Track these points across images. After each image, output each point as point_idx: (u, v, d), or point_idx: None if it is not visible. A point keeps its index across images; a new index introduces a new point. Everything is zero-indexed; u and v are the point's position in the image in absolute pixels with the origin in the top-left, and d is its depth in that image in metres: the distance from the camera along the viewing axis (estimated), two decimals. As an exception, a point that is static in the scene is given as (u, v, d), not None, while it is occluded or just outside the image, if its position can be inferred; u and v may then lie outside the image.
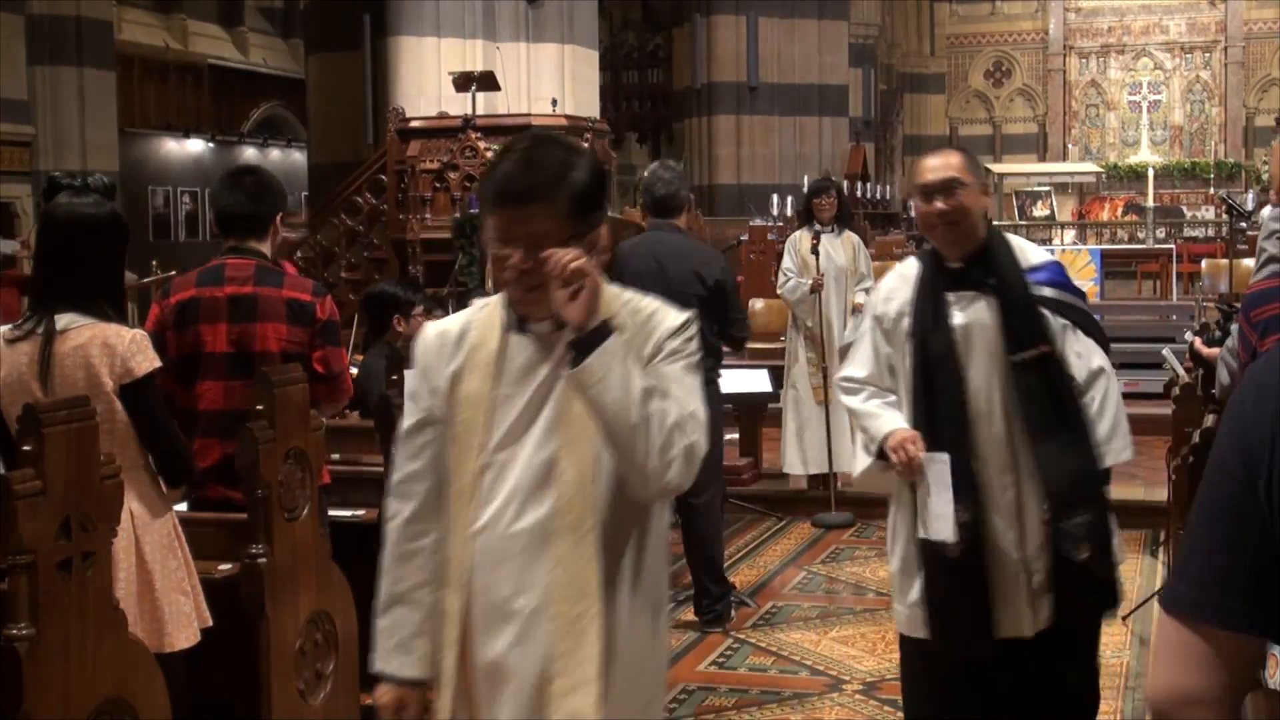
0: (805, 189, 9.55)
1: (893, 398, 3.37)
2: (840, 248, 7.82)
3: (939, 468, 3.20)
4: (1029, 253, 3.37)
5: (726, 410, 7.33)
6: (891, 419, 3.32)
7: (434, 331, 2.30)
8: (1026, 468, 3.24)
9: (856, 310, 7.61)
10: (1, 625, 2.60)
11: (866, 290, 7.62)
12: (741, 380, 7.39)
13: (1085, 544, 3.22)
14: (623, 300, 2.23)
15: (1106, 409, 3.26)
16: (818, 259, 7.59)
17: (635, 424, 2.05)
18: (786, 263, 7.87)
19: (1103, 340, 3.31)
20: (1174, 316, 12.71)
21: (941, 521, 3.20)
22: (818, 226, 7.71)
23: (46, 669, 2.63)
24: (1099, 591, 3.34)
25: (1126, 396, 11.63)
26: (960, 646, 3.32)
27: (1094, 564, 3.25)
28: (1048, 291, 3.27)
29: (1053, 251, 14.48)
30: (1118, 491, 8.70)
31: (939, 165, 3.33)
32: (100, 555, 2.78)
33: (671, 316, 2.23)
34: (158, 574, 3.23)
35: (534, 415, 2.17)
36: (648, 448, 2.07)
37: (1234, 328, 3.58)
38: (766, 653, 5.37)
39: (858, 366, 3.45)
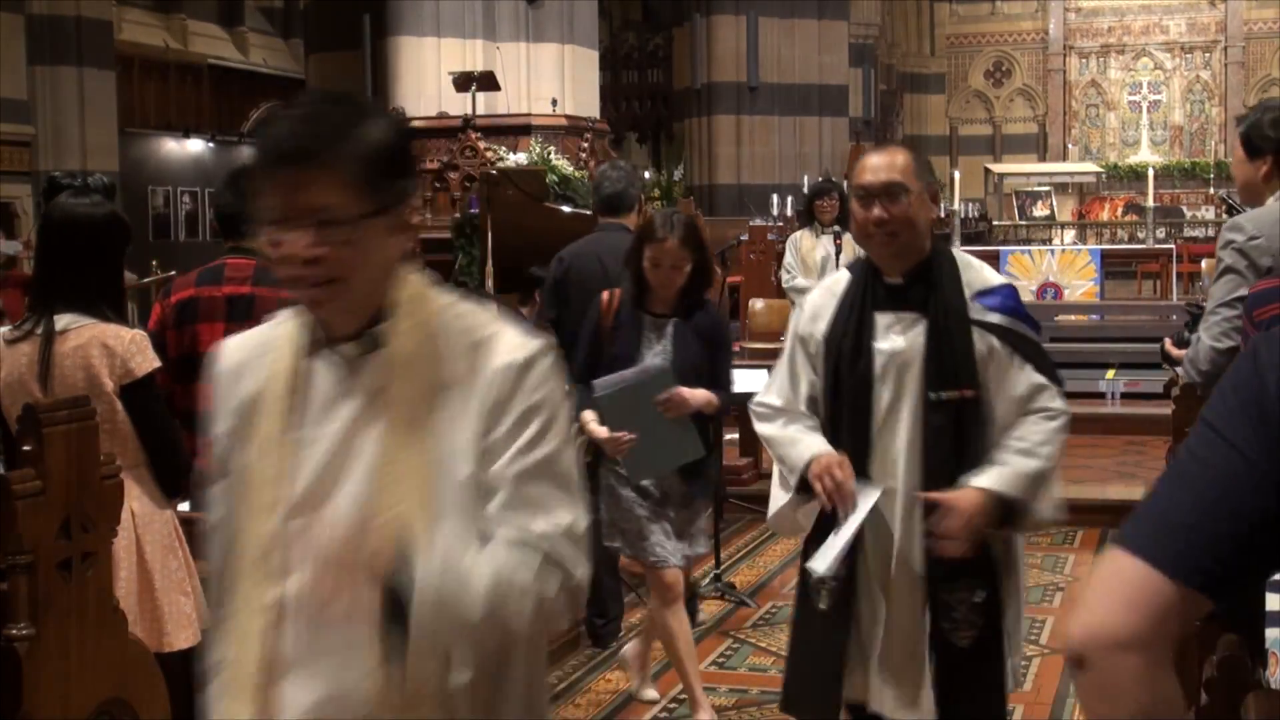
0: (806, 190, 9.61)
1: (814, 422, 2.98)
2: (843, 249, 7.90)
3: (867, 503, 2.84)
4: (980, 274, 2.95)
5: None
6: (813, 444, 2.92)
7: (231, 353, 1.82)
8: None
9: None
10: (1, 625, 2.60)
11: None
12: (742, 380, 7.38)
13: (969, 626, 2.82)
14: (452, 314, 1.70)
15: (1057, 466, 2.86)
16: (838, 259, 7.69)
17: (483, 624, 1.59)
18: (788, 259, 8.03)
19: (1057, 380, 2.91)
20: (1174, 316, 12.70)
21: (829, 553, 2.85)
22: (837, 228, 7.82)
23: (46, 669, 2.62)
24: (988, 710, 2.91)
25: (1126, 396, 11.56)
26: (800, 709, 3.08)
27: (982, 661, 2.85)
28: (998, 319, 2.87)
29: (1054, 252, 14.57)
30: (1119, 492, 8.65)
31: (881, 165, 2.91)
32: (100, 555, 2.78)
33: (509, 347, 1.67)
34: (158, 574, 3.23)
35: (343, 465, 1.64)
36: (501, 630, 1.62)
37: (1194, 336, 3.58)
38: (766, 653, 5.37)
39: (774, 393, 3.05)
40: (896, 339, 2.89)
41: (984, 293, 2.90)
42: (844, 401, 2.91)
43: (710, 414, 4.34)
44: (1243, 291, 3.42)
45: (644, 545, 4.28)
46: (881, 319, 2.90)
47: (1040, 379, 2.85)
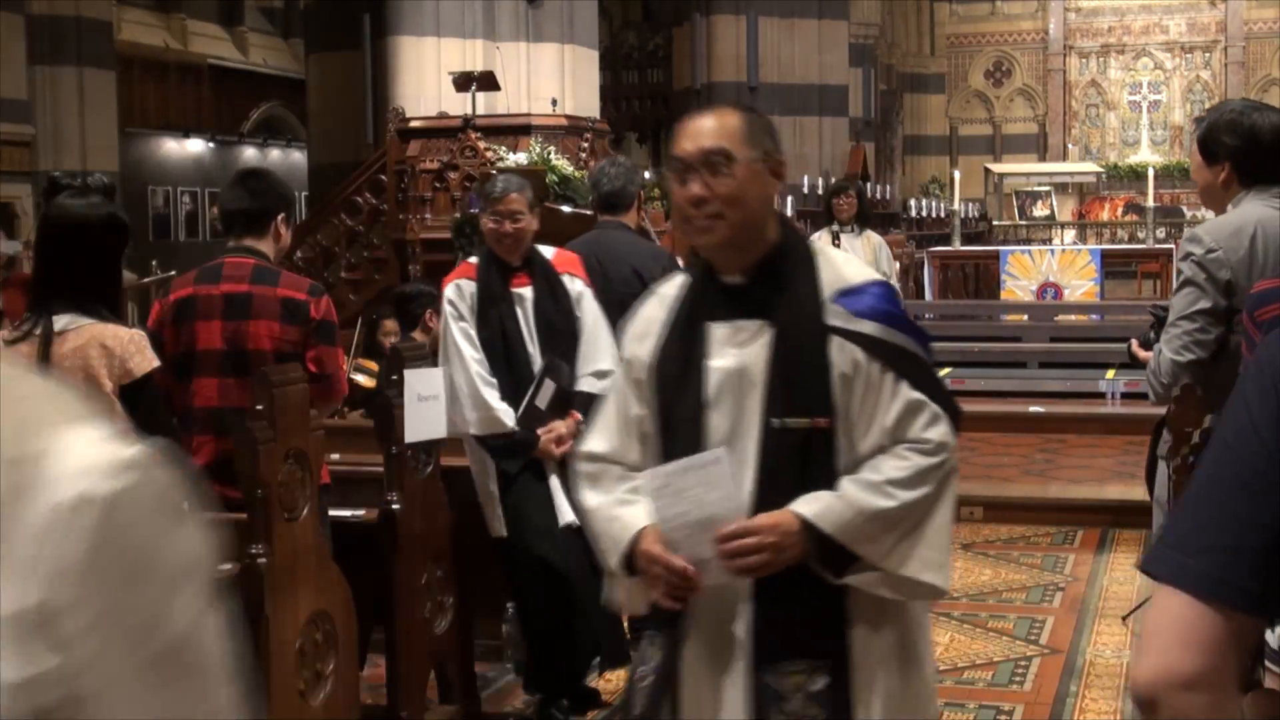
0: (821, 189, 9.57)
1: (641, 480, 2.34)
2: (860, 247, 7.86)
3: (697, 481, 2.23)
4: (842, 269, 2.35)
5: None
6: (635, 516, 2.30)
7: None
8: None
9: None
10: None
11: None
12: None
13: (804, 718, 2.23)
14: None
15: (930, 516, 2.26)
16: None
17: None
18: None
19: (947, 406, 2.29)
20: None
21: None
22: (835, 226, 7.79)
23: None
24: None
25: (1126, 396, 11.51)
26: None
27: None
28: (868, 327, 2.26)
29: (1054, 252, 14.56)
30: (1119, 492, 8.65)
31: (704, 129, 2.30)
32: (99, 555, 2.78)
33: (80, 468, 0.92)
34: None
35: None
36: None
37: (1155, 347, 3.58)
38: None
39: (598, 437, 2.44)
40: (734, 354, 2.29)
41: (847, 292, 2.29)
42: (676, 437, 2.31)
43: None
44: (1203, 304, 3.44)
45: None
46: (718, 330, 2.32)
47: (918, 399, 2.25)
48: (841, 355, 2.25)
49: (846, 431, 2.25)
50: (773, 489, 2.24)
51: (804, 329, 2.26)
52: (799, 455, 2.25)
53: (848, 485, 2.23)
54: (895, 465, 2.23)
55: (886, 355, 2.25)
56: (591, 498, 2.39)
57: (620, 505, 2.33)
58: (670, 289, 2.44)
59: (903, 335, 2.28)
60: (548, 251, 4.57)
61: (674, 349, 2.34)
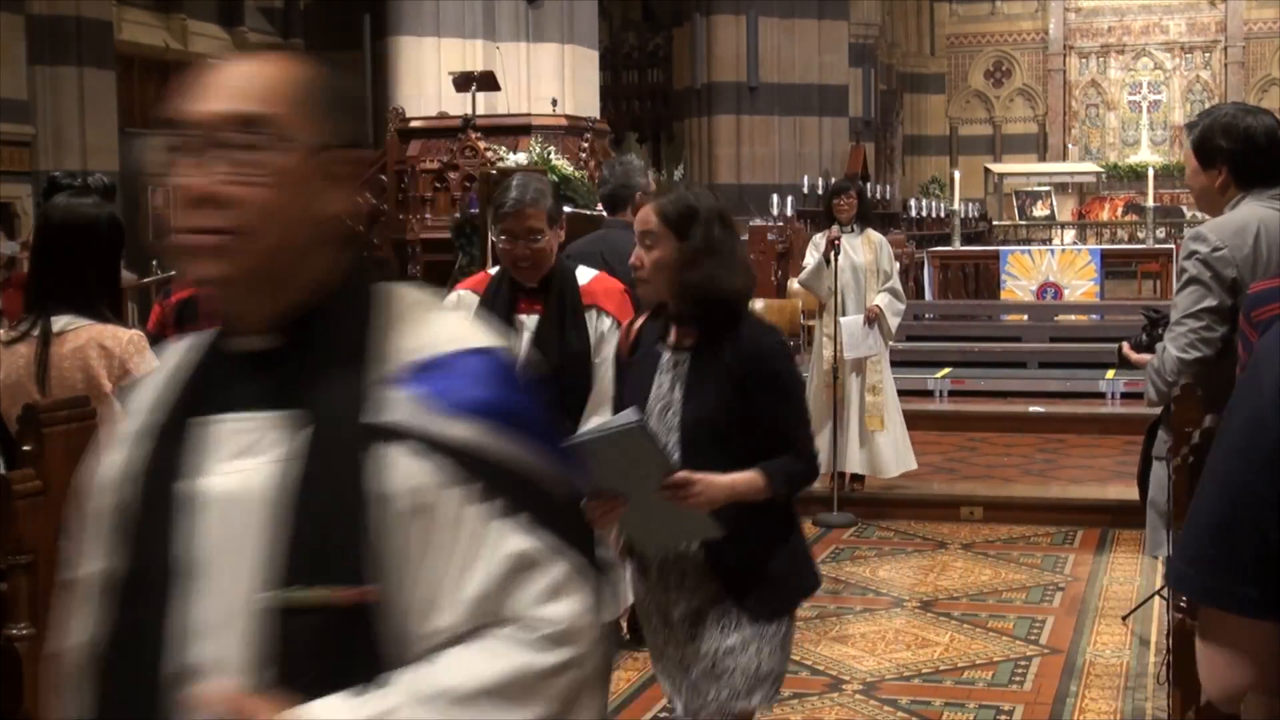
0: (821, 189, 9.54)
1: None
2: (861, 247, 7.83)
3: None
4: (428, 331, 1.38)
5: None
6: None
7: None
8: None
9: (869, 319, 7.63)
10: (2, 625, 2.60)
11: (891, 291, 7.72)
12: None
13: None
14: None
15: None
16: (836, 256, 7.63)
17: None
18: (807, 259, 7.97)
19: (589, 558, 1.36)
20: (1174, 316, 12.69)
21: None
22: (836, 226, 7.78)
23: (47, 669, 2.63)
24: None
25: (1126, 396, 11.49)
26: None
27: None
28: (457, 429, 1.31)
29: (1054, 252, 14.56)
30: (1119, 492, 8.67)
31: (230, 83, 1.41)
32: (100, 555, 2.78)
33: None
34: (157, 574, 3.23)
35: None
36: None
37: (1159, 346, 3.58)
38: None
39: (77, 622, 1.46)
40: (233, 472, 1.35)
41: (428, 369, 1.34)
42: (124, 615, 1.37)
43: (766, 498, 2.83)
44: (1209, 302, 3.44)
45: (658, 668, 3.03)
46: (221, 428, 1.37)
47: (531, 551, 1.32)
48: (401, 476, 1.30)
49: (403, 609, 1.30)
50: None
51: (338, 434, 1.32)
52: (319, 653, 1.29)
53: (397, 689, 1.28)
54: (481, 664, 1.29)
55: (488, 477, 1.31)
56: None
57: None
58: (177, 350, 1.50)
59: (521, 441, 1.34)
60: (586, 274, 3.83)
61: (151, 457, 1.40)
